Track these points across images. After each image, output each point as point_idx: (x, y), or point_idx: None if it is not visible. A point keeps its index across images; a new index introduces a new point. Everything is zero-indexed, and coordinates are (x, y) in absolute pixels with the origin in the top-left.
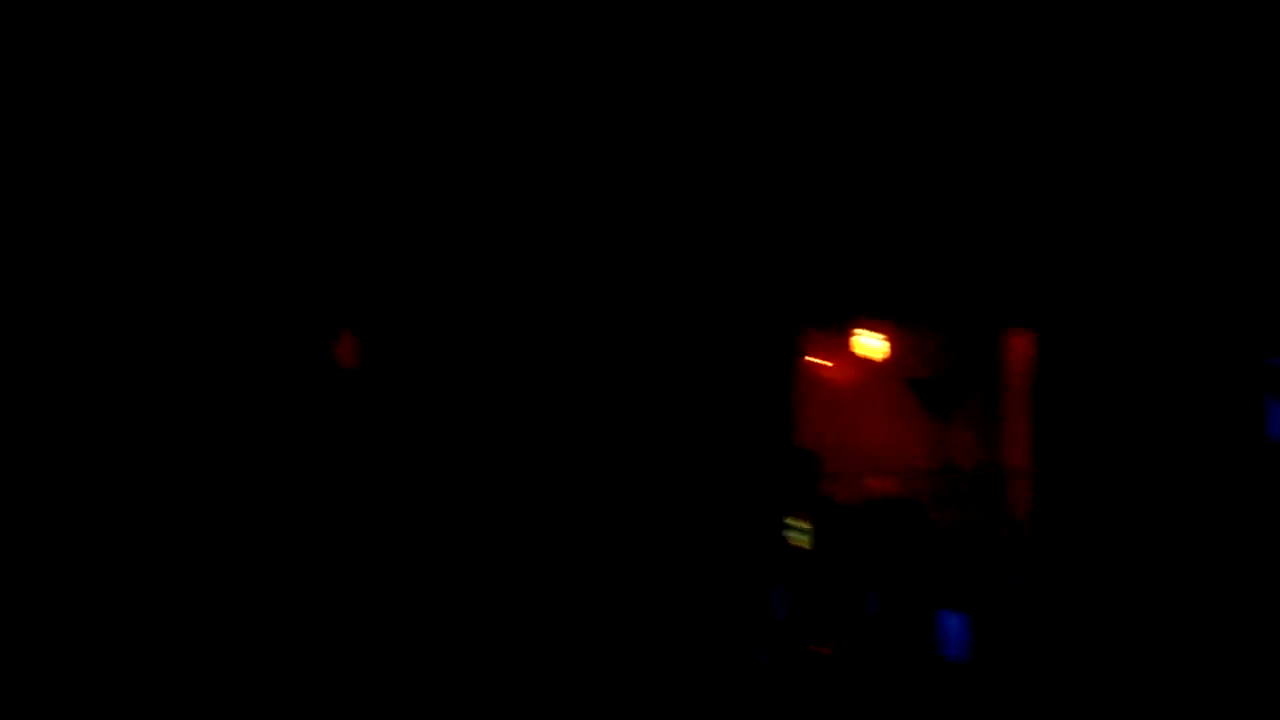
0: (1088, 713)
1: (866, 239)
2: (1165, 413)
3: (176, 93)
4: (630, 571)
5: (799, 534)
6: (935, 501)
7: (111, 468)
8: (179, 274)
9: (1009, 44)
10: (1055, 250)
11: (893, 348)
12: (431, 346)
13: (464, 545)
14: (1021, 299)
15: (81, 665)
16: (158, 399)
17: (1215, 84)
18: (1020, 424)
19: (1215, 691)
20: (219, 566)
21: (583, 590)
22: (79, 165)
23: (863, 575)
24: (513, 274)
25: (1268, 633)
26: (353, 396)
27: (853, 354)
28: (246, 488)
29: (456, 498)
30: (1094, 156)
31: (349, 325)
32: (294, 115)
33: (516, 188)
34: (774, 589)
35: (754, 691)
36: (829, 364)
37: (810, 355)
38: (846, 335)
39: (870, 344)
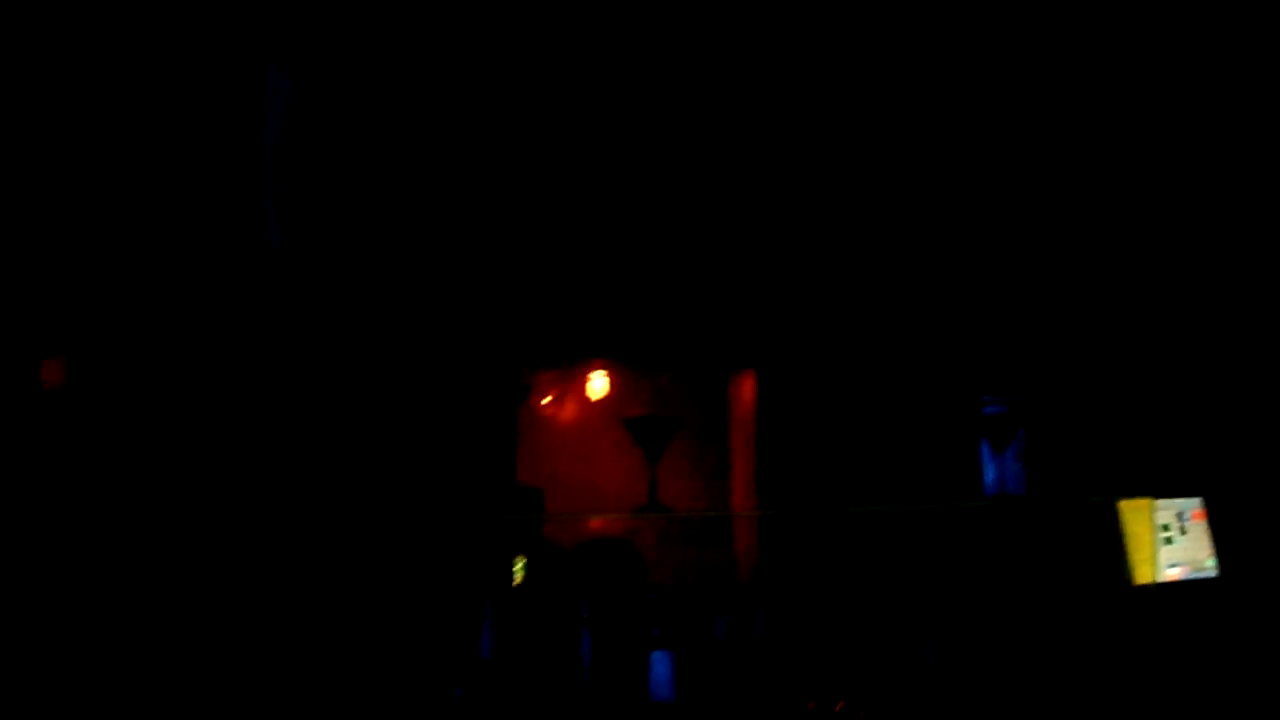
0: None
1: (595, 282)
2: (883, 456)
3: None
4: (337, 602)
5: (516, 572)
6: (656, 542)
7: None
8: None
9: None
10: (776, 292)
11: (621, 388)
12: (135, 368)
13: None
14: (745, 341)
15: None
16: None
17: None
18: (743, 466)
19: None
20: None
21: (284, 621)
22: None
23: (575, 615)
24: (233, 296)
25: (975, 668)
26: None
27: (583, 393)
28: None
29: (163, 528)
30: (812, 205)
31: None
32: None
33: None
34: (481, 627)
35: None
36: (557, 403)
37: (541, 394)
38: (577, 375)
39: (598, 385)
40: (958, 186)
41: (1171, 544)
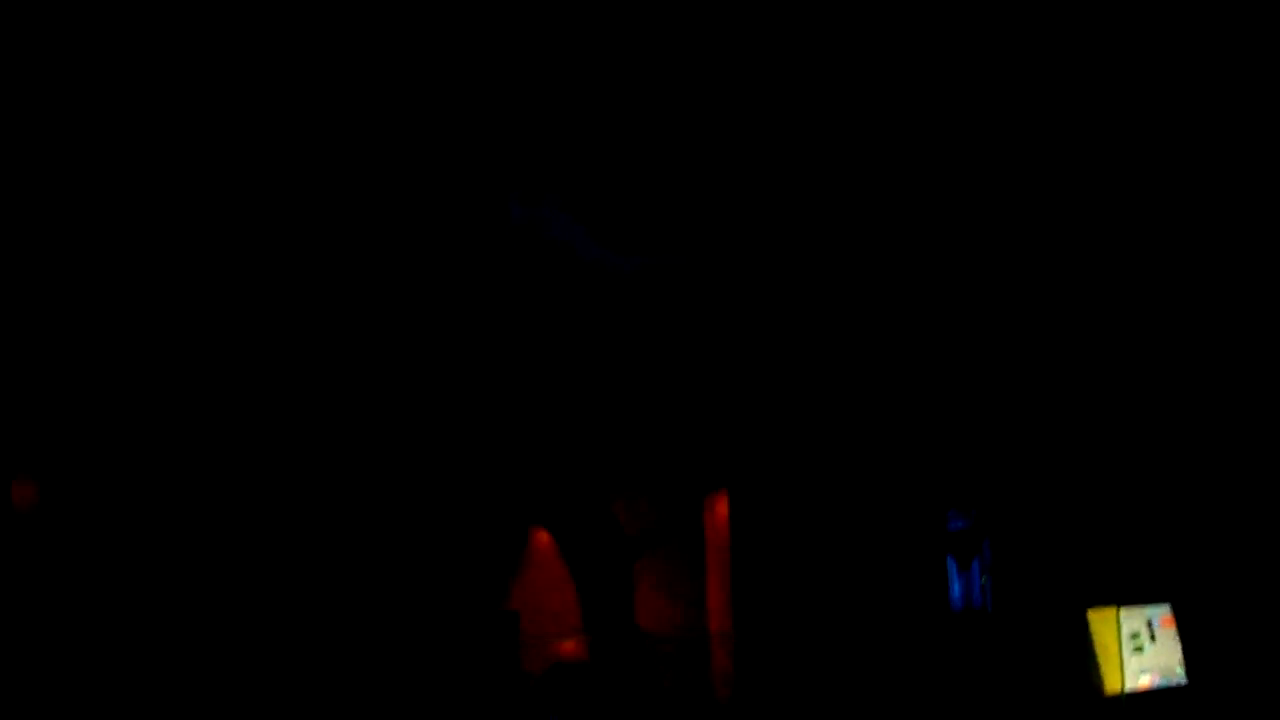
0: None
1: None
2: (855, 579)
3: None
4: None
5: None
6: (626, 666)
7: None
8: None
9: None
10: (746, 413)
11: None
12: None
13: None
14: (718, 464)
15: None
16: None
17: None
18: (718, 586)
19: None
20: None
21: None
22: None
23: None
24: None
25: None
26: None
27: None
28: None
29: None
30: (777, 329)
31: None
32: None
33: None
34: None
35: None
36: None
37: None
38: None
39: None
40: (914, 304)
41: (1141, 652)
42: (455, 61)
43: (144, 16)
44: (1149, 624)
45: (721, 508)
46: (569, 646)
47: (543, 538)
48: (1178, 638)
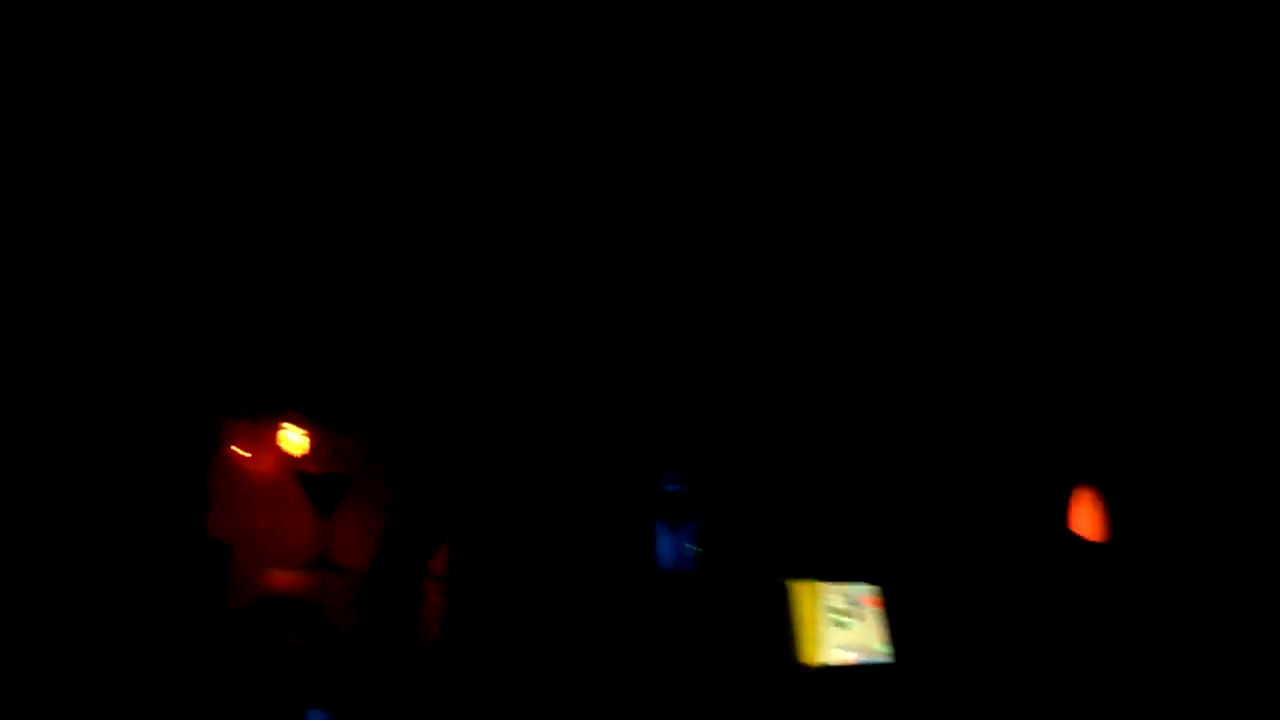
0: None
1: (296, 337)
2: (567, 530)
3: None
4: None
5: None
6: (345, 604)
7: None
8: None
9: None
10: (470, 361)
11: (315, 444)
12: None
13: None
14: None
15: None
16: None
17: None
18: None
19: None
20: None
21: None
22: None
23: (241, 673)
24: None
25: None
26: None
27: (278, 448)
28: None
29: None
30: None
31: None
32: None
33: None
34: (141, 685)
35: None
36: (249, 455)
37: (233, 445)
38: (272, 428)
39: (293, 439)
40: (641, 269)
41: (843, 628)
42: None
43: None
44: (852, 601)
45: None
46: (284, 580)
47: (266, 462)
48: (882, 617)
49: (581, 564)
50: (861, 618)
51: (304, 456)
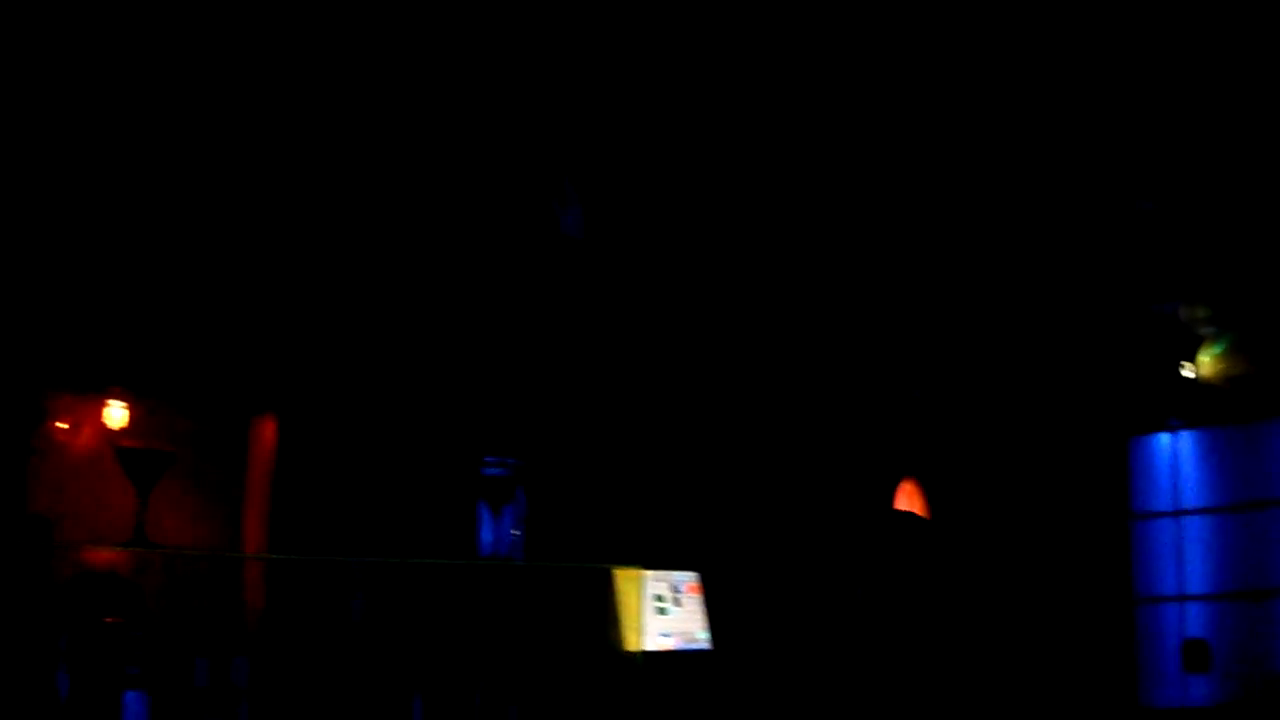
0: None
1: (121, 312)
2: (391, 511)
3: None
4: None
5: None
6: (164, 583)
7: None
8: None
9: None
10: (300, 338)
11: (141, 421)
12: None
13: None
14: (268, 387)
15: None
16: None
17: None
18: (257, 512)
19: None
20: None
21: None
22: None
23: (53, 651)
24: None
25: None
26: None
27: (101, 422)
28: None
29: None
30: (334, 257)
31: None
32: None
33: None
34: None
35: None
36: (70, 429)
37: (55, 420)
38: (97, 403)
39: (115, 414)
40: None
41: (665, 614)
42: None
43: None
44: (674, 589)
45: (269, 431)
46: (103, 557)
47: (88, 441)
48: (702, 605)
49: (408, 543)
50: (683, 605)
51: (124, 431)
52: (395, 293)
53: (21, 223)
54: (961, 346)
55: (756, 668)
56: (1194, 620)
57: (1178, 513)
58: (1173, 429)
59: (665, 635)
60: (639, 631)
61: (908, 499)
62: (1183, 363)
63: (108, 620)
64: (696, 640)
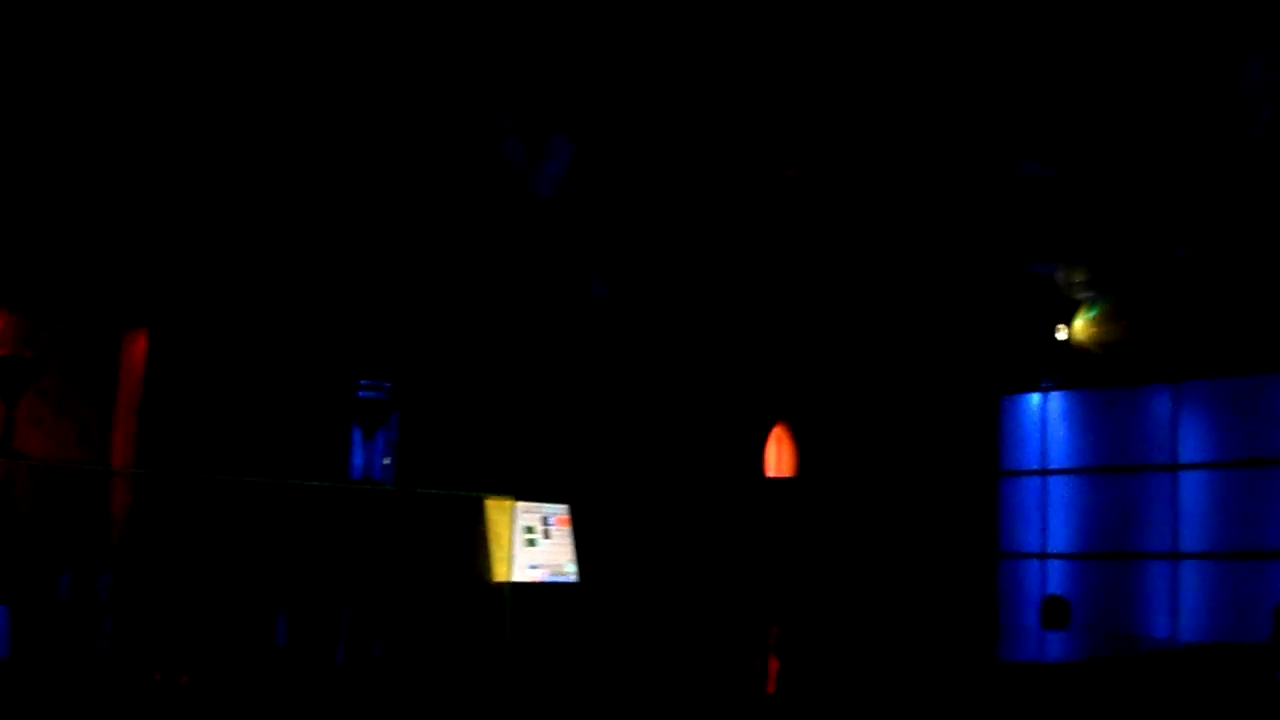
0: None
1: None
2: (263, 431)
3: None
4: None
5: None
6: (28, 495)
7: None
8: None
9: None
10: (177, 255)
11: (6, 330)
12: None
13: None
14: (140, 301)
15: None
16: None
17: None
18: (125, 427)
19: None
20: None
21: None
22: None
23: None
24: None
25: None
26: None
27: None
28: None
29: None
30: (217, 172)
31: None
32: None
33: None
34: None
35: None
36: None
37: None
38: None
39: None
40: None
41: (534, 546)
42: None
43: None
44: (545, 521)
45: (140, 346)
46: None
47: None
48: (571, 537)
49: (276, 465)
50: (553, 537)
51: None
52: (274, 209)
53: None
54: (842, 296)
55: (623, 602)
56: (1055, 578)
57: (1045, 472)
58: (1044, 390)
59: (534, 567)
60: (508, 562)
61: (778, 443)
62: (1057, 325)
63: None
64: (565, 573)
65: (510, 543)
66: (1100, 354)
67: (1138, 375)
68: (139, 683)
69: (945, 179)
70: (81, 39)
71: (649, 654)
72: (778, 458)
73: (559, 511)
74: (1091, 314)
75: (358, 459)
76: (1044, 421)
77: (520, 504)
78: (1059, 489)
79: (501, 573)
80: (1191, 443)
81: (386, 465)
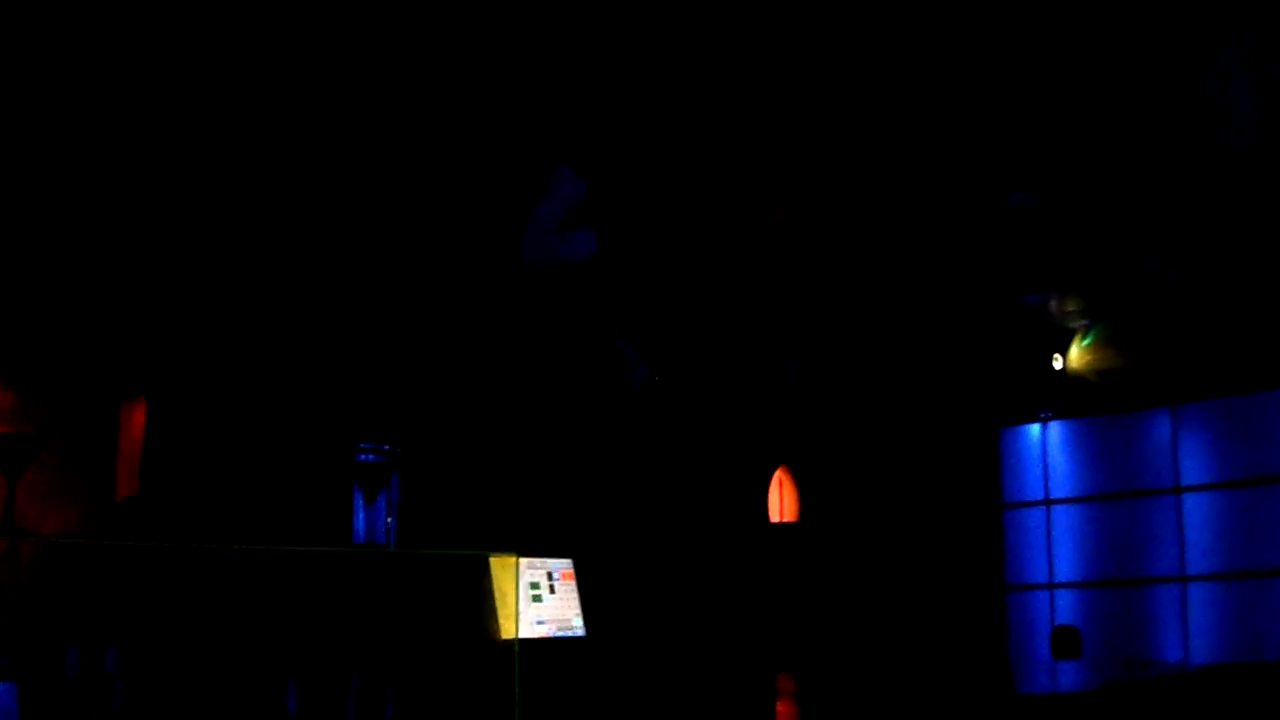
0: None
1: None
2: (263, 497)
3: None
4: None
5: None
6: (31, 570)
7: None
8: None
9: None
10: (168, 330)
11: (3, 405)
12: None
13: None
14: (137, 370)
15: None
16: None
17: None
18: (129, 491)
19: None
20: None
21: None
22: None
23: None
24: None
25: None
26: None
27: None
28: None
29: None
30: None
31: None
32: None
33: None
34: None
35: None
36: None
37: None
38: None
39: None
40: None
41: (540, 602)
42: None
43: None
44: (549, 576)
45: (139, 416)
46: None
47: None
48: (576, 592)
49: (280, 531)
50: (558, 592)
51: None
52: (269, 276)
53: None
54: (837, 336)
55: (631, 655)
56: (1064, 608)
57: (1048, 502)
58: (1043, 420)
59: (540, 622)
60: (514, 618)
61: (781, 488)
62: (1053, 355)
63: None
64: (572, 627)
65: (516, 599)
66: (1097, 381)
67: (1136, 400)
68: None
69: (934, 215)
70: (67, 108)
71: (660, 706)
72: (781, 503)
73: (563, 566)
74: (1086, 341)
75: (360, 522)
76: (1044, 451)
77: (524, 560)
78: (1063, 518)
79: (508, 630)
80: (1193, 464)
81: (389, 525)
